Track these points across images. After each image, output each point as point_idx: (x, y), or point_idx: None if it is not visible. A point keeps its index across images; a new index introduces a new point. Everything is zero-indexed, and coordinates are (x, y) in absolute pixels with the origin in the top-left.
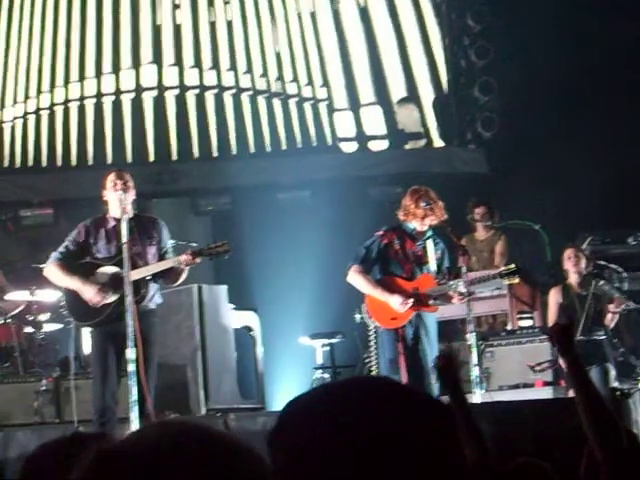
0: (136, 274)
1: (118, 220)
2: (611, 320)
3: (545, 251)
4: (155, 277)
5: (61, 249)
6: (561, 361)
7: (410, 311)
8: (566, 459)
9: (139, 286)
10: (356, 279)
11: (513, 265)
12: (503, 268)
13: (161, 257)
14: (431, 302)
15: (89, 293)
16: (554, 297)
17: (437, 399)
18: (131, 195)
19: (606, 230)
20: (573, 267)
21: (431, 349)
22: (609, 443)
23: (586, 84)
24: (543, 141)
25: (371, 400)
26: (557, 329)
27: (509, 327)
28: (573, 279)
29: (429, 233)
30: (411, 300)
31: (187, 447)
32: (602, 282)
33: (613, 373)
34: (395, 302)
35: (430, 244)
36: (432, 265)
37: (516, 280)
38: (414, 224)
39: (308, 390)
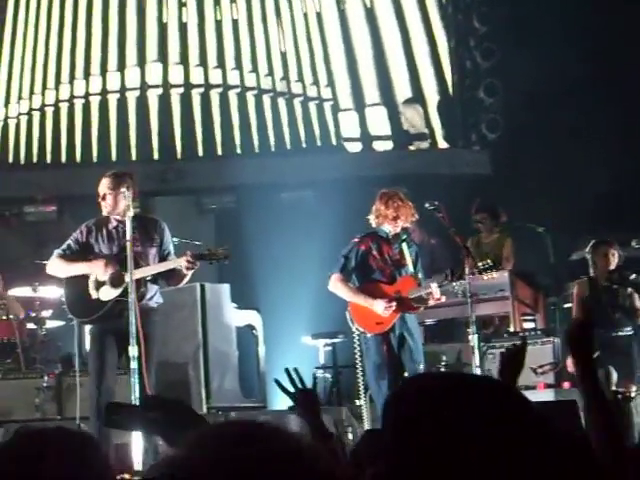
0: (139, 273)
1: (120, 221)
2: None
3: (548, 253)
4: (158, 278)
5: (63, 247)
6: (569, 361)
7: (394, 314)
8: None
9: (138, 285)
10: (338, 287)
11: (489, 260)
12: (480, 264)
13: (162, 259)
14: (414, 303)
15: (98, 268)
16: (578, 291)
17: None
18: (132, 195)
19: (609, 233)
20: (607, 265)
21: (417, 349)
22: (614, 448)
23: (591, 86)
24: (547, 143)
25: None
26: (575, 325)
27: (512, 329)
28: (601, 274)
29: (403, 236)
30: (394, 303)
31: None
32: (634, 276)
33: (615, 376)
34: (379, 307)
35: (405, 247)
36: (409, 267)
37: (494, 275)
38: (387, 227)
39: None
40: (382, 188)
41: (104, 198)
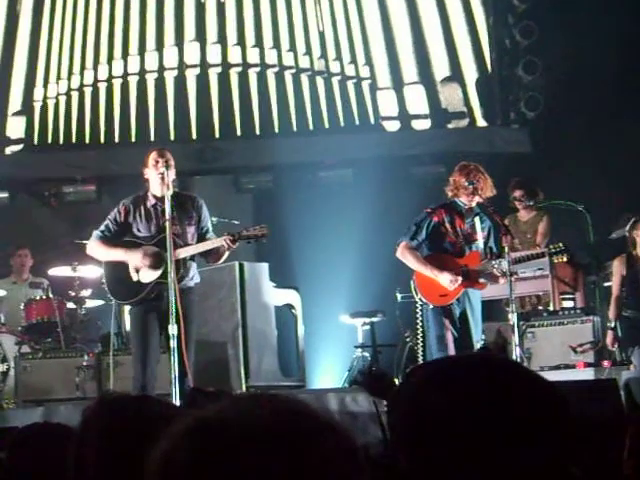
0: (181, 253)
1: (158, 198)
2: None
3: (588, 232)
4: (194, 257)
5: (102, 227)
6: (609, 339)
7: (459, 288)
8: (606, 442)
9: (178, 265)
10: (405, 255)
11: (561, 243)
12: (551, 246)
13: (200, 236)
14: (481, 280)
15: (136, 258)
16: (618, 268)
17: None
18: (172, 173)
19: None
20: None
21: (476, 327)
22: None
23: (635, 62)
24: (587, 121)
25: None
26: None
27: (551, 308)
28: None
29: (477, 210)
30: (460, 278)
31: (290, 423)
32: None
33: None
34: (445, 279)
35: (478, 221)
36: (480, 243)
37: (564, 258)
38: (463, 200)
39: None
40: (422, 166)
41: (146, 174)
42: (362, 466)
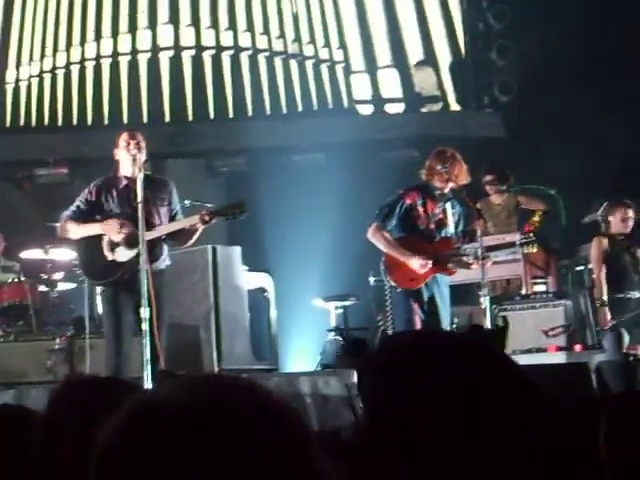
0: (151, 234)
1: (130, 179)
2: None
3: (560, 216)
4: (166, 238)
5: (72, 208)
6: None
7: (429, 272)
8: (581, 425)
9: (154, 246)
10: (377, 237)
11: (531, 234)
12: (521, 236)
13: (171, 219)
14: (450, 265)
15: (112, 228)
16: (600, 245)
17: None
18: (143, 155)
19: (622, 197)
20: (622, 228)
21: (445, 312)
22: None
23: (606, 47)
24: (560, 105)
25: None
26: None
27: (523, 292)
28: (617, 235)
29: (449, 195)
30: (431, 262)
31: (234, 404)
32: None
33: (627, 338)
34: (415, 263)
35: (449, 207)
36: (451, 228)
37: (534, 249)
38: (438, 185)
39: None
40: (395, 149)
41: (117, 155)
42: (309, 464)
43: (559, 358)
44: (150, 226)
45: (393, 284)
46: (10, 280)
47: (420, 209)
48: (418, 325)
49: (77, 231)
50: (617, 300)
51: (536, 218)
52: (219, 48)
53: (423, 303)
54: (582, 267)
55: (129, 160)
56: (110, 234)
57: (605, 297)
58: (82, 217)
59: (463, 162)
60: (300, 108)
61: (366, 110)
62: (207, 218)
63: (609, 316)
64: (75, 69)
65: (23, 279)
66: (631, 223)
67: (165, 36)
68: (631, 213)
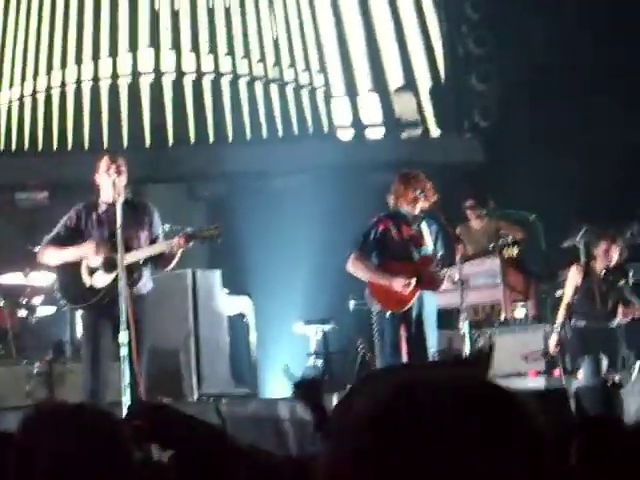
0: (129, 257)
1: (110, 204)
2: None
3: (539, 241)
4: (146, 262)
5: (53, 233)
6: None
7: (414, 292)
8: (558, 448)
9: (132, 270)
10: (356, 266)
11: (510, 237)
12: (500, 240)
13: (152, 242)
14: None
15: (89, 252)
16: (574, 277)
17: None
18: (124, 179)
19: (600, 223)
20: (605, 260)
21: (432, 332)
22: None
23: (586, 73)
24: (540, 130)
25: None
26: None
27: (503, 316)
28: (599, 266)
29: (421, 215)
30: (414, 280)
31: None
32: (623, 283)
33: (605, 363)
34: (398, 284)
35: (424, 226)
36: (430, 246)
37: (514, 252)
38: (406, 208)
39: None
40: (375, 175)
41: (98, 179)
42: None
43: (538, 383)
44: (129, 250)
45: (380, 309)
46: None
47: (394, 232)
48: (404, 348)
49: (55, 257)
50: (586, 329)
51: (515, 250)
52: (199, 73)
53: (410, 323)
54: (561, 291)
55: (109, 184)
56: (87, 258)
57: (559, 323)
58: (61, 243)
59: (427, 180)
60: (280, 133)
61: (346, 135)
62: (183, 241)
63: (555, 340)
64: (56, 93)
65: (2, 304)
66: (615, 255)
67: (146, 61)
68: (615, 247)
